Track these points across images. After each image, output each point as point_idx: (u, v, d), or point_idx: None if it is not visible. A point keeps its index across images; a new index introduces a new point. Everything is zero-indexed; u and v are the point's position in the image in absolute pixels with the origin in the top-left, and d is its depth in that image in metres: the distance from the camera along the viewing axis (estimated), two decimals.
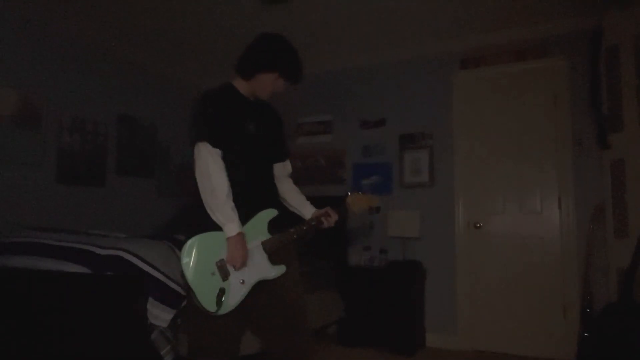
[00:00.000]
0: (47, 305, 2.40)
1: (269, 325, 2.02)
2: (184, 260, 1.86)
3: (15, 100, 3.41)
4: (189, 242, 1.88)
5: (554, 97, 3.72)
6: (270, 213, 1.99)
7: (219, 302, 1.84)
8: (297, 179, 2.35)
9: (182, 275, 1.86)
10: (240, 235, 1.87)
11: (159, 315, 2.31)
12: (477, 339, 3.82)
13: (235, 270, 1.89)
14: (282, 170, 2.17)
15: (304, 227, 2.02)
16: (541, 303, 3.62)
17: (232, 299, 1.87)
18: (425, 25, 3.82)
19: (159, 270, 2.37)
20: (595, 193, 3.48)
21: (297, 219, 2.11)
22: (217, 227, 1.89)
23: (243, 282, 1.90)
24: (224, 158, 1.93)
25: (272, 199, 2.07)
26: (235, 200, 1.90)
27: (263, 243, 1.95)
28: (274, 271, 1.97)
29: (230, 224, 1.86)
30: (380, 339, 3.78)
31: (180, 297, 2.38)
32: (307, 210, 2.15)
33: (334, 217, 2.05)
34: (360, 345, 3.82)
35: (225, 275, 1.88)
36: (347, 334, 3.89)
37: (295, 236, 2.00)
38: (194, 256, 1.86)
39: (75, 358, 2.32)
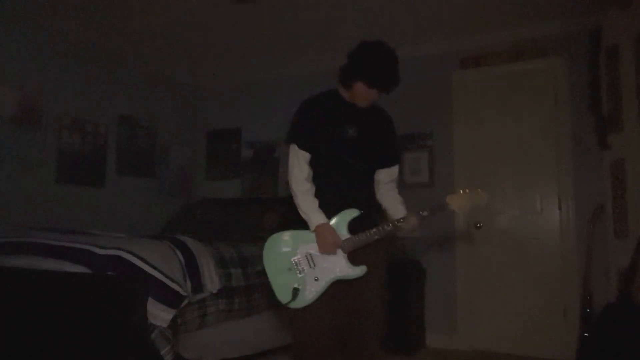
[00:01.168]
0: (47, 305, 2.40)
1: (342, 323, 2.06)
2: (265, 255, 2.04)
3: (15, 100, 3.41)
4: (271, 237, 2.05)
5: (554, 97, 3.72)
6: (351, 213, 2.00)
7: (294, 296, 1.95)
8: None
9: (262, 268, 2.03)
10: (322, 225, 1.97)
11: (159, 315, 2.31)
12: (477, 339, 3.82)
13: (313, 266, 1.98)
14: (385, 176, 2.19)
15: (387, 227, 1.99)
16: (541, 303, 3.62)
17: (308, 295, 1.96)
18: (425, 25, 3.81)
19: (159, 270, 2.36)
20: (595, 193, 3.48)
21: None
22: (301, 226, 2.02)
23: (317, 280, 1.97)
24: (317, 159, 2.05)
25: (360, 201, 2.05)
26: (321, 200, 2.02)
27: (342, 242, 1.98)
28: (353, 271, 1.98)
29: (314, 215, 1.98)
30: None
31: (180, 297, 2.38)
32: (397, 212, 2.12)
33: (412, 221, 2.00)
34: None
35: (300, 271, 1.99)
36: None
37: (376, 237, 1.98)
38: (273, 251, 2.03)
39: (75, 358, 2.32)
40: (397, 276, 3.75)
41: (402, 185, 4.14)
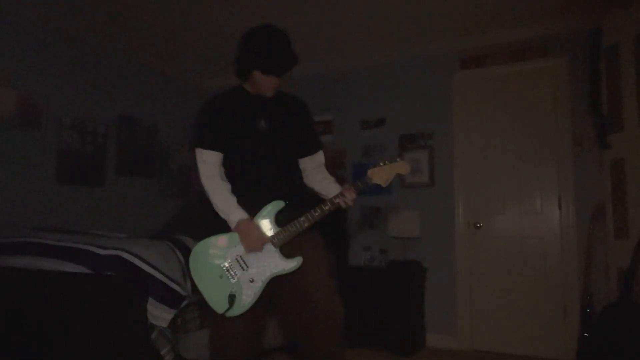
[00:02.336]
0: (47, 305, 2.40)
1: (293, 323, 1.97)
2: (191, 266, 1.91)
3: (15, 100, 3.42)
4: (195, 248, 1.93)
5: (554, 97, 3.72)
6: (276, 205, 1.91)
7: (230, 303, 1.84)
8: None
9: (192, 281, 1.91)
10: (243, 221, 1.87)
11: (159, 315, 2.31)
12: (477, 339, 3.82)
13: (246, 268, 1.88)
14: (310, 164, 2.11)
15: (316, 213, 1.90)
16: (541, 303, 3.62)
17: (245, 299, 1.87)
18: (425, 25, 3.81)
19: (159, 270, 2.37)
20: (595, 193, 3.48)
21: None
22: (223, 230, 1.92)
23: (253, 281, 1.88)
24: (229, 158, 1.97)
25: (282, 193, 1.95)
26: (240, 198, 1.93)
27: (271, 237, 1.90)
28: (289, 264, 1.88)
29: (232, 212, 1.89)
30: (380, 339, 3.78)
31: (180, 297, 2.38)
32: (331, 190, 2.03)
33: (350, 195, 1.90)
34: (360, 345, 3.82)
35: (233, 277, 1.88)
36: (347, 334, 3.88)
37: (306, 224, 1.89)
38: (200, 261, 1.91)
39: (75, 358, 2.32)
40: (398, 276, 3.77)
41: (402, 185, 4.15)
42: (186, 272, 2.52)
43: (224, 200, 1.92)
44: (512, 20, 3.69)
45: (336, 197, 1.90)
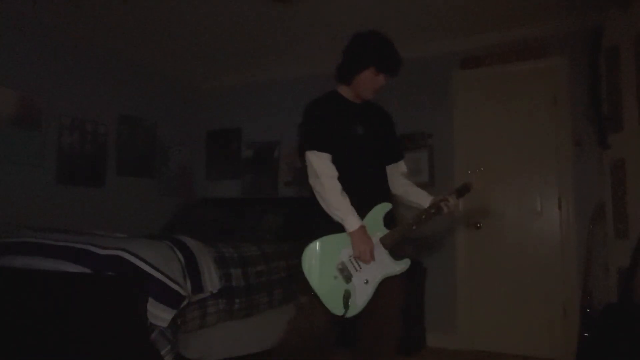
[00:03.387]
0: (47, 305, 2.40)
1: (363, 324, 2.05)
2: (305, 267, 1.91)
3: (15, 100, 3.42)
4: (308, 248, 1.94)
5: (554, 97, 3.72)
6: (384, 207, 1.97)
7: (346, 305, 1.86)
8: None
9: (306, 283, 1.91)
10: (363, 228, 1.92)
11: (159, 315, 2.31)
12: (476, 339, 3.82)
13: (359, 269, 1.92)
14: (396, 171, 2.20)
15: (423, 216, 1.96)
16: (541, 303, 3.62)
17: (360, 300, 1.90)
18: (425, 25, 3.81)
19: (159, 270, 2.36)
20: (595, 193, 3.48)
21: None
22: (332, 231, 1.95)
23: (367, 282, 1.91)
24: (334, 161, 2.03)
25: (385, 196, 2.05)
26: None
27: (381, 239, 1.94)
28: (398, 266, 1.95)
29: (350, 217, 1.91)
30: None
31: (180, 297, 2.38)
32: (424, 200, 2.12)
33: (453, 201, 2.02)
34: None
35: (347, 277, 1.91)
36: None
37: (414, 227, 1.96)
38: (314, 262, 1.92)
39: (75, 358, 2.32)
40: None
41: None
42: (186, 272, 2.52)
43: (341, 202, 1.93)
44: (512, 20, 3.69)
45: (441, 200, 2.00)
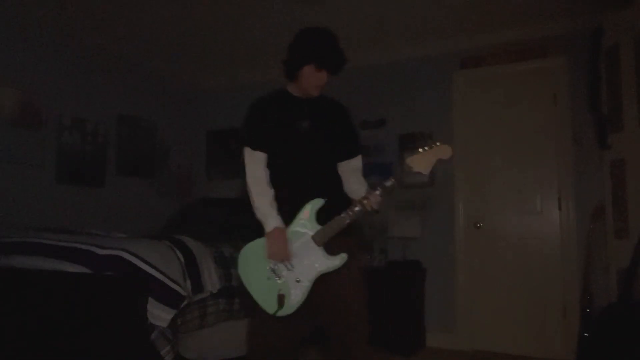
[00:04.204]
0: (47, 305, 2.40)
1: (327, 323, 2.00)
2: (240, 269, 1.97)
3: (15, 100, 3.41)
4: (242, 251, 1.98)
5: (554, 97, 3.72)
6: (315, 203, 1.92)
7: (280, 304, 1.88)
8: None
9: (242, 284, 1.96)
10: (277, 229, 1.90)
11: (159, 315, 2.31)
12: (476, 339, 3.82)
13: (292, 268, 1.91)
14: (348, 168, 2.11)
15: (355, 209, 1.88)
16: (541, 303, 3.62)
17: (294, 299, 1.89)
18: (425, 25, 3.81)
19: (159, 270, 2.36)
20: (595, 193, 3.48)
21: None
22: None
23: (299, 281, 1.90)
24: (274, 158, 2.01)
25: (323, 192, 1.96)
26: (282, 199, 1.97)
27: (313, 236, 1.91)
28: (333, 262, 1.89)
29: (268, 219, 1.92)
30: (379, 339, 3.76)
31: (180, 297, 2.38)
32: (362, 194, 2.00)
33: (374, 198, 1.88)
34: None
35: (280, 277, 1.91)
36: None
37: (347, 220, 1.89)
38: (247, 264, 1.96)
39: (75, 358, 2.32)
40: (398, 276, 3.77)
41: (402, 185, 4.15)
42: (186, 272, 2.52)
43: (266, 204, 1.94)
44: (512, 21, 3.69)
45: (364, 197, 1.90)
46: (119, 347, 2.26)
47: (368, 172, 4.38)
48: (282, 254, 1.90)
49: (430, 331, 3.93)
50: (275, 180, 2.02)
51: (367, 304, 1.99)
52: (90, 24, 3.81)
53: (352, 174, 2.12)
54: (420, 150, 1.88)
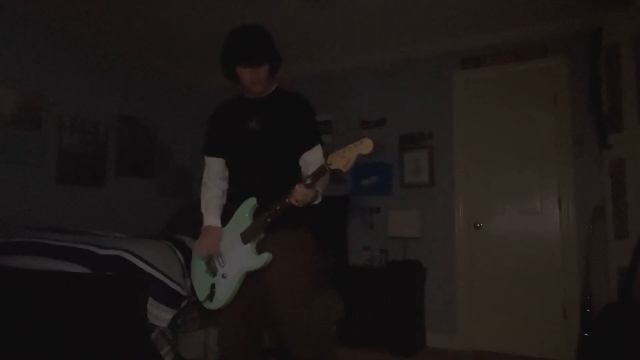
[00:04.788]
0: (47, 305, 2.40)
1: (272, 322, 2.06)
2: (191, 262, 2.15)
3: (15, 100, 3.41)
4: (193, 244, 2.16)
5: (554, 97, 3.72)
6: (249, 203, 1.95)
7: (210, 297, 1.98)
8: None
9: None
10: (207, 227, 2.08)
11: (159, 315, 2.31)
12: (477, 339, 3.82)
13: (223, 264, 2.00)
14: (304, 161, 2.05)
15: (278, 208, 1.86)
16: (541, 303, 3.62)
17: (222, 293, 1.97)
18: (425, 25, 3.82)
19: (159, 270, 2.37)
20: (595, 193, 3.48)
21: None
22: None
23: (225, 277, 1.98)
24: (229, 160, 2.12)
25: (268, 191, 1.93)
26: (231, 197, 2.10)
27: (242, 234, 1.95)
28: (258, 260, 1.90)
29: (206, 217, 2.11)
30: (380, 339, 3.78)
31: (180, 297, 2.38)
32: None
33: (301, 190, 1.81)
34: (360, 345, 3.82)
35: (213, 272, 2.02)
36: (347, 334, 3.89)
37: (269, 219, 1.88)
38: (195, 258, 2.12)
39: (75, 358, 2.32)
40: (398, 276, 3.77)
41: (403, 185, 4.16)
42: (186, 272, 2.52)
43: (205, 204, 2.13)
44: (512, 20, 3.69)
45: (290, 193, 1.84)
46: (119, 347, 2.26)
47: (368, 171, 4.42)
48: (204, 250, 2.02)
49: (430, 331, 3.93)
50: (231, 182, 2.13)
51: (303, 307, 1.92)
52: (90, 24, 3.81)
53: (311, 168, 1.99)
54: (341, 150, 1.80)
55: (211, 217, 2.09)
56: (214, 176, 2.16)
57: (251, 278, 1.96)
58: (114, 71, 4.21)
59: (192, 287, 2.50)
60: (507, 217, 3.82)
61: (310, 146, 2.05)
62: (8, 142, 3.36)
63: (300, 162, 2.08)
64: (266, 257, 1.90)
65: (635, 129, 2.99)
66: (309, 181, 1.83)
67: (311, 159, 2.04)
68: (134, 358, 2.26)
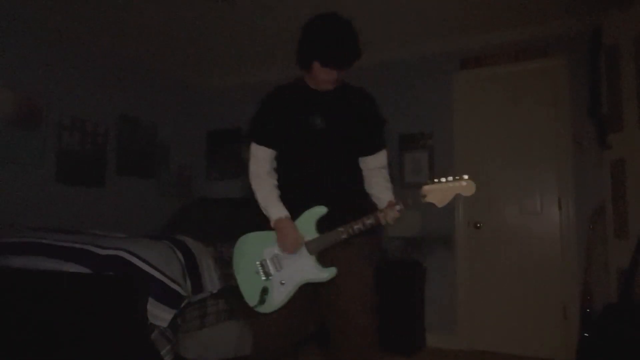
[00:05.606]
0: (47, 305, 2.40)
1: (329, 333, 1.93)
2: (233, 259, 1.94)
3: (15, 100, 3.41)
4: (239, 240, 1.95)
5: (554, 97, 3.72)
6: (317, 211, 1.82)
7: (261, 300, 1.84)
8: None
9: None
10: (281, 220, 1.83)
11: (159, 315, 2.31)
12: (477, 339, 3.82)
13: (280, 268, 1.86)
14: (368, 164, 1.97)
15: (356, 226, 1.77)
16: (541, 303, 3.62)
17: (276, 299, 1.85)
18: (425, 25, 3.81)
19: (159, 270, 2.36)
20: (595, 193, 3.48)
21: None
22: (267, 227, 1.90)
23: (284, 284, 1.85)
24: (283, 155, 1.93)
25: (331, 197, 1.85)
26: (288, 200, 1.88)
27: (307, 243, 1.83)
28: (322, 274, 1.81)
29: (272, 209, 1.85)
30: (380, 339, 3.77)
31: (180, 297, 2.38)
32: (380, 202, 1.90)
33: (392, 213, 1.76)
34: None
35: (266, 274, 1.87)
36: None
37: (344, 236, 1.78)
38: (240, 255, 1.93)
39: (75, 358, 2.32)
40: (398, 276, 3.76)
41: (403, 185, 4.15)
42: (186, 272, 2.52)
43: (266, 197, 1.88)
44: (512, 20, 3.69)
45: (380, 211, 1.79)
46: (119, 347, 2.26)
47: None
48: (293, 243, 1.81)
49: (430, 331, 3.93)
50: (284, 180, 1.93)
51: (371, 317, 1.92)
52: (90, 24, 3.81)
53: (373, 173, 1.97)
54: (443, 180, 1.73)
55: (279, 209, 1.85)
56: (267, 166, 1.92)
57: (304, 287, 1.87)
58: (114, 71, 4.21)
59: (194, 291, 2.50)
60: (507, 217, 3.82)
61: (375, 150, 1.98)
62: (8, 142, 3.35)
63: (362, 164, 1.98)
64: (333, 272, 1.81)
65: (634, 129, 2.99)
66: (399, 207, 1.77)
67: (375, 164, 1.97)
68: (134, 358, 2.26)
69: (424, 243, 4.02)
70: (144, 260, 2.37)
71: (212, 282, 2.67)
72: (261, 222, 1.92)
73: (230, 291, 2.80)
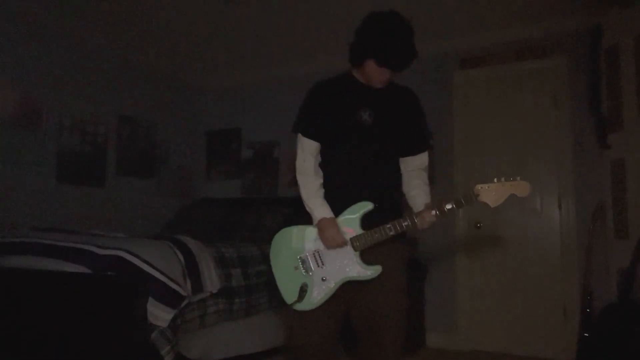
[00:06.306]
0: (47, 305, 2.40)
1: (358, 327, 1.92)
2: (271, 253, 1.89)
3: (15, 100, 3.41)
4: (276, 235, 1.90)
5: (554, 97, 3.72)
6: (363, 206, 1.80)
7: (300, 297, 1.80)
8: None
9: (268, 266, 1.90)
10: (324, 220, 1.80)
11: (159, 315, 2.31)
12: (477, 339, 3.82)
13: (321, 265, 1.83)
14: (409, 165, 1.96)
15: (404, 223, 1.75)
16: (541, 303, 3.62)
17: (316, 296, 1.81)
18: (425, 25, 3.80)
19: (159, 270, 2.36)
20: (595, 193, 3.48)
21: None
22: (309, 222, 1.87)
23: (325, 280, 1.82)
24: (328, 148, 1.90)
25: (376, 193, 1.83)
26: (331, 193, 1.87)
27: (352, 240, 1.80)
28: (366, 272, 1.79)
29: (317, 209, 1.83)
30: None
31: (180, 297, 2.38)
32: (417, 205, 1.88)
33: (429, 217, 1.75)
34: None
35: (308, 271, 1.83)
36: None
37: (391, 232, 1.76)
38: (278, 249, 1.88)
39: (75, 358, 2.32)
40: None
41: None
42: (186, 272, 2.52)
43: (311, 195, 1.86)
44: (512, 20, 3.69)
45: (417, 214, 1.79)
46: (119, 347, 2.26)
47: None
48: (336, 241, 1.78)
49: (430, 331, 3.93)
50: (328, 173, 1.91)
51: (404, 319, 1.90)
52: (90, 24, 3.81)
53: (413, 174, 1.97)
54: (495, 180, 1.72)
55: (324, 209, 1.83)
56: (313, 162, 1.89)
57: (344, 285, 1.84)
58: (114, 71, 4.21)
59: (195, 290, 2.50)
60: (507, 217, 3.82)
61: (419, 151, 1.98)
62: (8, 142, 3.36)
63: (402, 164, 1.97)
64: (378, 270, 1.79)
65: (634, 129, 2.99)
66: (450, 206, 1.75)
67: (416, 164, 1.97)
68: (134, 358, 2.26)
69: (424, 243, 4.01)
70: (143, 260, 2.37)
71: (212, 282, 2.67)
72: (301, 216, 1.89)
73: (229, 291, 2.81)
